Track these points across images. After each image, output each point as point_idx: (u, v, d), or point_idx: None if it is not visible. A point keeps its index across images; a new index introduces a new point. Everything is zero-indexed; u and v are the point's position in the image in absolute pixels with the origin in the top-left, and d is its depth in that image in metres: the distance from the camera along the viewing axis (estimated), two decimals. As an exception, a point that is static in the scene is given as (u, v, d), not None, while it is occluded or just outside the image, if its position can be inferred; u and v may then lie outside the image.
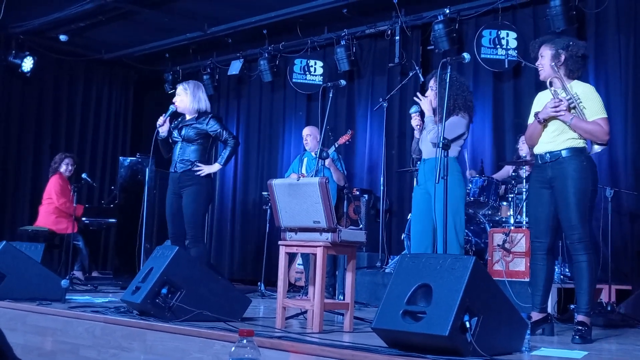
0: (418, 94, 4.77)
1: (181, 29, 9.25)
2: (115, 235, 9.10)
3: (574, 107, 4.02)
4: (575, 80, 4.14)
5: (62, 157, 8.18)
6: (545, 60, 4.15)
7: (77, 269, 7.89)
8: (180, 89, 5.59)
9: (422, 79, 7.55)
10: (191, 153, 5.42)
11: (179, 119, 5.61)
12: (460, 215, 4.58)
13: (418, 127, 4.83)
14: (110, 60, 10.53)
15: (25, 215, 9.63)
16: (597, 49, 6.98)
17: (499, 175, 6.71)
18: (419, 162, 4.92)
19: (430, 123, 4.68)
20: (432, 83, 4.76)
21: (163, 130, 5.51)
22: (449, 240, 4.40)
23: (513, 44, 7.43)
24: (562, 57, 4.10)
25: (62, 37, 9.47)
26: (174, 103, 5.55)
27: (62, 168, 8.07)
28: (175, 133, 5.54)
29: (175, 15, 8.72)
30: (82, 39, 9.70)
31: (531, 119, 4.25)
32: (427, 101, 4.72)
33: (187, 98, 5.51)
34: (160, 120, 5.48)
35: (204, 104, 5.56)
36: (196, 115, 5.50)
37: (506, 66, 7.48)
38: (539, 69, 4.21)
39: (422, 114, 4.83)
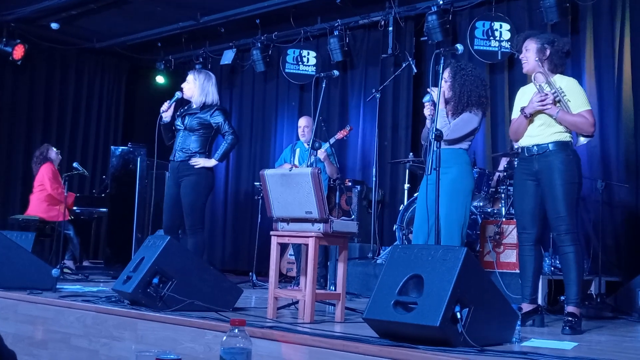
0: (432, 86, 4.70)
1: (174, 18, 9.20)
2: (107, 225, 9.07)
3: (559, 101, 4.07)
4: (558, 74, 4.18)
5: (47, 147, 8.14)
6: (530, 53, 4.19)
7: (68, 258, 7.87)
8: (190, 77, 5.50)
9: (415, 70, 7.55)
10: (192, 143, 5.37)
11: (185, 107, 5.56)
12: (466, 207, 4.54)
13: (430, 116, 4.74)
14: (102, 49, 10.46)
15: (16, 204, 9.60)
16: (590, 41, 6.99)
17: (501, 167, 6.70)
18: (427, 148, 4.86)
19: (442, 117, 4.60)
20: (446, 75, 4.64)
21: (166, 116, 5.47)
22: (451, 232, 4.40)
23: (506, 35, 7.43)
24: (547, 52, 4.16)
25: (54, 25, 9.40)
26: (181, 90, 5.49)
27: (52, 155, 8.04)
28: (178, 121, 5.49)
29: (167, 4, 8.67)
30: (73, 27, 9.64)
31: (515, 114, 4.29)
32: (440, 92, 4.64)
33: (195, 89, 5.45)
34: (165, 106, 5.43)
35: (212, 97, 5.47)
36: (202, 105, 5.46)
37: (499, 58, 7.48)
38: (523, 61, 4.25)
39: (435, 103, 4.77)
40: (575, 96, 4.07)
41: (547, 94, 4.06)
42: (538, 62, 4.14)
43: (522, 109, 4.17)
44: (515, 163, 6.01)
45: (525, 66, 4.24)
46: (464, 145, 4.62)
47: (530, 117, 4.14)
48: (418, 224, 4.66)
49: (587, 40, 7.00)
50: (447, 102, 4.67)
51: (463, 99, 4.58)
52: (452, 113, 4.62)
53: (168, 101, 5.46)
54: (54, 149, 8.13)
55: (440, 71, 4.29)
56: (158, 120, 5.47)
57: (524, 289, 4.20)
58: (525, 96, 4.25)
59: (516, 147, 6.21)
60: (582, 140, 4.11)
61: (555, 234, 4.09)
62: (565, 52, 4.19)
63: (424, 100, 4.77)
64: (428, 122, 4.77)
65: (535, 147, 4.14)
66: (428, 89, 4.73)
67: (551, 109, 4.05)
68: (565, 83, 4.12)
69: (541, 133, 4.11)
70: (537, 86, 4.15)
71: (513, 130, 4.30)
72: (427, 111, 4.74)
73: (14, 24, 9.49)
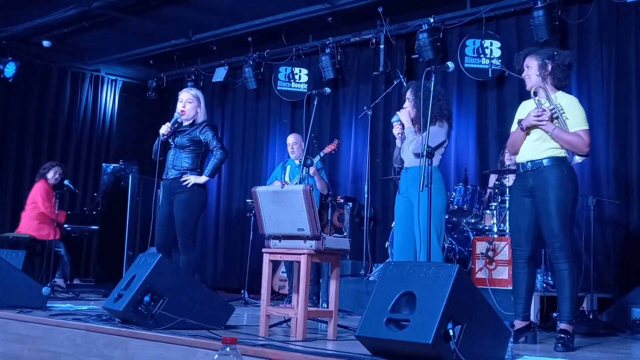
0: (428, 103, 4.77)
1: (165, 35, 9.22)
2: (98, 243, 9.04)
3: (557, 118, 4.06)
4: (560, 91, 4.18)
5: (52, 165, 8.14)
6: (532, 70, 4.17)
7: (59, 276, 7.83)
8: (190, 96, 5.48)
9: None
10: (184, 160, 5.36)
11: (176, 125, 5.54)
12: (442, 221, 4.65)
13: (399, 135, 4.88)
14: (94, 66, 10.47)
15: (6, 222, 9.53)
16: (580, 59, 7.05)
17: (491, 184, 6.73)
18: (401, 171, 4.98)
19: (411, 134, 4.77)
20: (408, 94, 4.87)
21: (166, 137, 5.43)
22: (433, 248, 4.43)
23: (497, 53, 7.48)
24: (549, 67, 4.14)
25: (46, 43, 9.40)
26: (180, 112, 5.44)
27: (50, 175, 8.02)
28: (169, 139, 5.48)
29: (159, 22, 8.69)
30: (65, 45, 9.64)
31: (514, 127, 4.29)
32: (405, 112, 4.80)
33: (200, 109, 5.44)
34: (165, 129, 5.38)
35: (205, 114, 5.52)
36: (192, 122, 5.45)
37: (490, 75, 7.52)
38: (526, 79, 4.23)
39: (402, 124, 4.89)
40: (574, 114, 4.07)
41: (544, 110, 4.06)
42: (540, 78, 4.14)
43: (520, 122, 4.17)
44: (505, 180, 6.07)
45: (528, 83, 4.21)
46: (435, 161, 4.67)
47: (526, 131, 4.15)
48: (398, 242, 4.73)
49: (575, 58, 7.05)
50: (413, 122, 4.79)
51: (426, 114, 4.65)
52: (418, 129, 4.71)
53: (168, 123, 5.42)
54: (57, 169, 8.08)
55: (431, 89, 4.34)
56: (158, 140, 5.42)
57: (517, 305, 4.19)
58: (525, 110, 4.25)
59: (507, 163, 6.27)
60: (577, 159, 4.12)
61: (549, 250, 4.08)
62: (567, 65, 4.18)
63: (392, 121, 4.90)
64: (398, 142, 4.89)
65: (529, 163, 4.13)
66: (398, 112, 4.87)
67: (547, 125, 4.04)
68: (565, 100, 4.12)
69: (536, 148, 4.11)
70: (536, 101, 4.15)
71: (510, 143, 4.31)
72: (395, 131, 4.86)
73: (6, 42, 9.49)
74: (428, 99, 4.66)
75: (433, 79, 4.34)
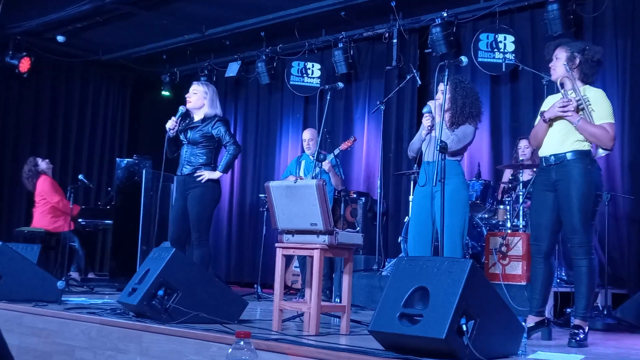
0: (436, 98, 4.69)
1: (179, 30, 9.25)
2: (112, 237, 9.08)
3: (582, 109, 3.99)
4: (587, 85, 4.12)
5: (35, 160, 8.04)
6: (559, 62, 4.11)
7: (74, 270, 7.88)
8: (199, 89, 5.45)
9: (419, 82, 7.56)
10: (197, 156, 5.37)
11: (187, 120, 5.55)
12: (466, 216, 4.55)
13: (429, 127, 4.69)
14: (108, 61, 10.52)
15: (21, 216, 9.61)
16: (595, 53, 6.99)
17: (505, 179, 6.70)
18: (415, 161, 4.89)
19: (443, 130, 4.50)
20: (442, 87, 4.58)
21: (173, 132, 5.44)
22: (454, 241, 4.40)
23: (510, 47, 7.44)
24: (577, 60, 4.07)
25: (60, 38, 9.45)
26: (184, 105, 5.47)
27: (43, 167, 8.02)
28: (181, 135, 5.49)
29: (173, 17, 8.72)
30: (79, 40, 9.69)
31: (538, 120, 4.23)
32: (438, 105, 4.58)
33: (206, 102, 5.43)
34: (171, 123, 5.39)
35: (219, 109, 5.51)
36: (203, 118, 5.45)
37: (503, 70, 7.48)
38: (552, 70, 4.16)
39: (433, 116, 4.74)
40: (600, 107, 4.00)
41: (570, 100, 4.00)
42: (566, 70, 4.08)
43: (542, 113, 4.12)
44: (520, 175, 6.04)
45: (554, 74, 4.16)
46: (459, 157, 4.64)
47: (549, 122, 4.08)
48: (414, 235, 4.65)
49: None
50: (446, 116, 4.65)
51: (465, 111, 4.58)
52: (449, 125, 4.61)
53: (173, 117, 5.44)
54: (42, 160, 8.10)
55: (445, 82, 4.30)
56: (166, 137, 5.45)
57: (532, 300, 4.15)
58: (550, 104, 4.18)
59: (521, 158, 6.24)
60: (601, 152, 4.04)
61: (569, 245, 4.04)
62: (596, 60, 4.11)
63: (423, 111, 4.74)
64: (423, 132, 4.71)
65: (552, 157, 4.06)
66: (430, 103, 4.72)
67: (572, 116, 3.97)
68: (592, 93, 4.05)
69: (560, 142, 4.04)
70: (562, 91, 4.10)
71: (532, 135, 4.23)
72: (427, 122, 4.71)
73: (21, 37, 9.55)
74: (467, 96, 4.60)
75: (447, 72, 4.31)
